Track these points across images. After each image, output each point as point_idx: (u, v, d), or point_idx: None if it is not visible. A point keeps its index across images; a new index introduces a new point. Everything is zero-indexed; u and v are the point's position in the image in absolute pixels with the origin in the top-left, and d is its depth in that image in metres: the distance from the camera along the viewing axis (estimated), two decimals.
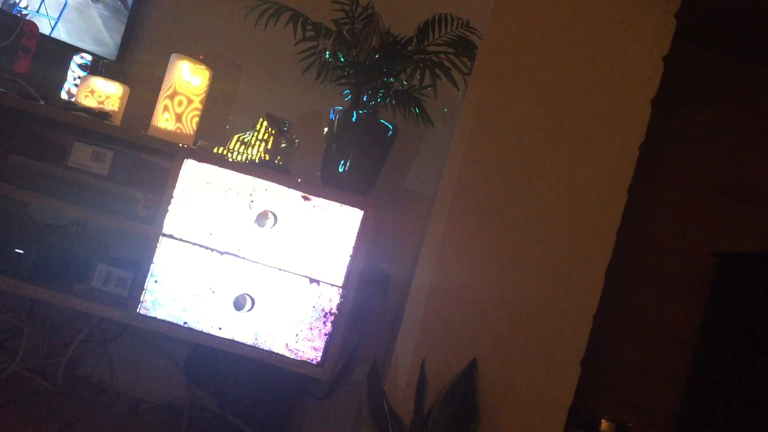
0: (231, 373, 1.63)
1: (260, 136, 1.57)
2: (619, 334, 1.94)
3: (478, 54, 1.58)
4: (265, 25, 1.53)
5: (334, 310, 1.43)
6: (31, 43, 1.60)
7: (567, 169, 1.54)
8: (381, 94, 1.59)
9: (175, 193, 1.43)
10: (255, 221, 1.42)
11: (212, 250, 1.42)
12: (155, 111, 1.61)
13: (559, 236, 1.52)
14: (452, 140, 1.58)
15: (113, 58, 1.78)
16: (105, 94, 1.63)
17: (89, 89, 1.62)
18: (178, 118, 1.61)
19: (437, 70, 1.53)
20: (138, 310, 1.41)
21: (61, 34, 1.73)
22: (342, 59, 1.59)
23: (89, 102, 1.61)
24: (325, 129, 1.61)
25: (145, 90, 1.77)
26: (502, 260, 1.52)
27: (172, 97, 1.60)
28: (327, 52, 1.58)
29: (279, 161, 1.58)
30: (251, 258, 1.42)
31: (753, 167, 1.95)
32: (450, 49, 1.56)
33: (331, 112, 1.58)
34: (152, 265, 1.42)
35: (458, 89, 1.59)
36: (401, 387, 1.50)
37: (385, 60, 1.56)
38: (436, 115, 1.79)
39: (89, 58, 1.73)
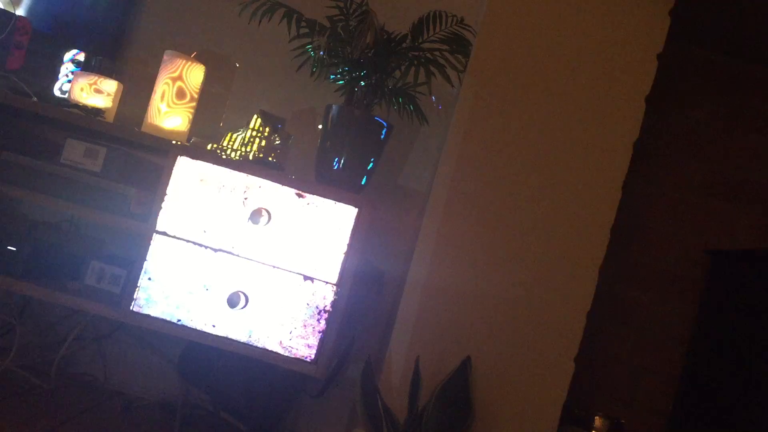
0: (225, 370, 1.63)
1: (254, 134, 1.57)
2: (613, 331, 1.94)
3: (472, 51, 1.58)
4: (259, 22, 1.53)
5: (328, 308, 1.42)
6: (24, 39, 1.59)
7: (561, 166, 1.54)
8: (375, 91, 1.59)
9: (169, 190, 1.42)
10: (249, 218, 1.42)
11: (206, 247, 1.42)
12: (149, 108, 1.60)
13: (553, 233, 1.52)
14: (446, 137, 1.58)
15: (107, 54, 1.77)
16: (98, 91, 1.62)
17: (82, 86, 1.61)
18: (172, 115, 1.60)
19: (432, 67, 1.53)
20: (131, 308, 1.41)
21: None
22: (337, 56, 1.58)
23: (82, 99, 1.60)
24: (320, 126, 1.61)
25: (138, 87, 1.76)
26: (496, 257, 1.52)
27: (165, 94, 1.59)
28: (321, 50, 1.58)
29: (273, 158, 1.57)
30: (245, 255, 1.42)
31: (746, 164, 1.96)
32: (444, 46, 1.56)
33: (326, 109, 1.58)
34: (145, 262, 1.41)
35: (452, 86, 1.59)
36: (395, 384, 1.50)
37: (380, 57, 1.56)
38: (431, 112, 1.79)
39: (83, 54, 1.73)
